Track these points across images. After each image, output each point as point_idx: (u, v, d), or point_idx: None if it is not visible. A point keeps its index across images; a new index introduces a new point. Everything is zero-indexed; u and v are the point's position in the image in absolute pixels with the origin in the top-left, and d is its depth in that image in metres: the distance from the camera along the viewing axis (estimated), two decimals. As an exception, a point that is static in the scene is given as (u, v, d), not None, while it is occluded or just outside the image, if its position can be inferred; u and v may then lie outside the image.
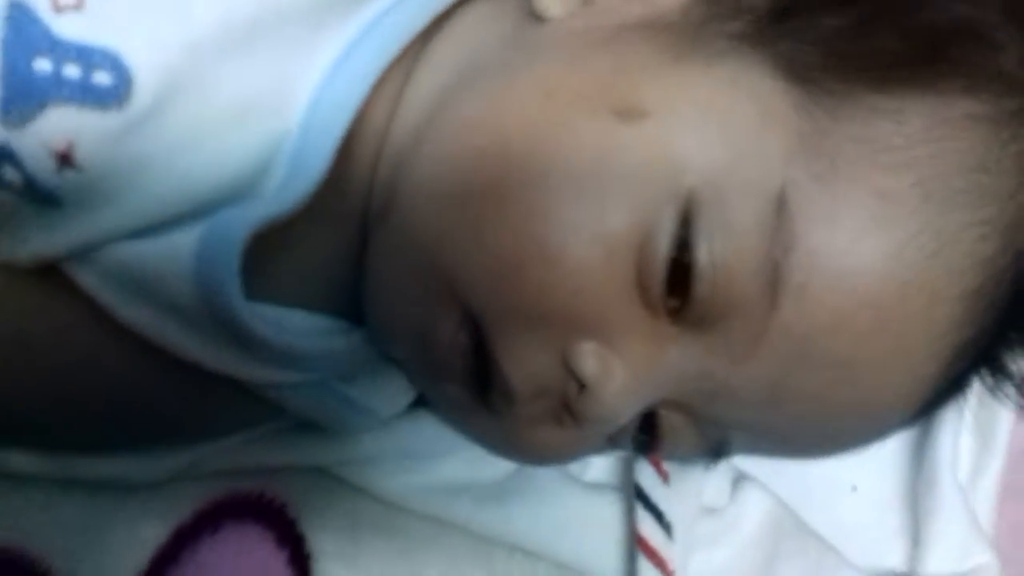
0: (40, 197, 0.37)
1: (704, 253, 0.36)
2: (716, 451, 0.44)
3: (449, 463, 0.50)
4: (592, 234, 0.37)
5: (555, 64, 0.40)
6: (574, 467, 0.51)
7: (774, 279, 0.36)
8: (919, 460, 0.52)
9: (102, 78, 0.35)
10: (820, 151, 0.37)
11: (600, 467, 0.52)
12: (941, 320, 0.38)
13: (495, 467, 0.50)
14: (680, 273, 0.37)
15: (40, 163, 0.36)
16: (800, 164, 0.37)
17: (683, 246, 0.37)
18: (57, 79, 0.35)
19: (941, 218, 0.37)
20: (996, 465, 0.53)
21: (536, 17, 0.41)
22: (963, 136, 0.38)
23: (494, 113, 0.39)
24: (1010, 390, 0.47)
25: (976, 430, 0.53)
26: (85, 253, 0.38)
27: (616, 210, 0.37)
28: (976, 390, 0.49)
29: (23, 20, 0.35)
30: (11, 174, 0.36)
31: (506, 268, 0.37)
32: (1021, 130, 0.39)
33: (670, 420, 0.42)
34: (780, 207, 0.36)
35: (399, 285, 0.41)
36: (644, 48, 0.39)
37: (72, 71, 0.35)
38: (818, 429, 0.41)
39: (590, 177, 0.37)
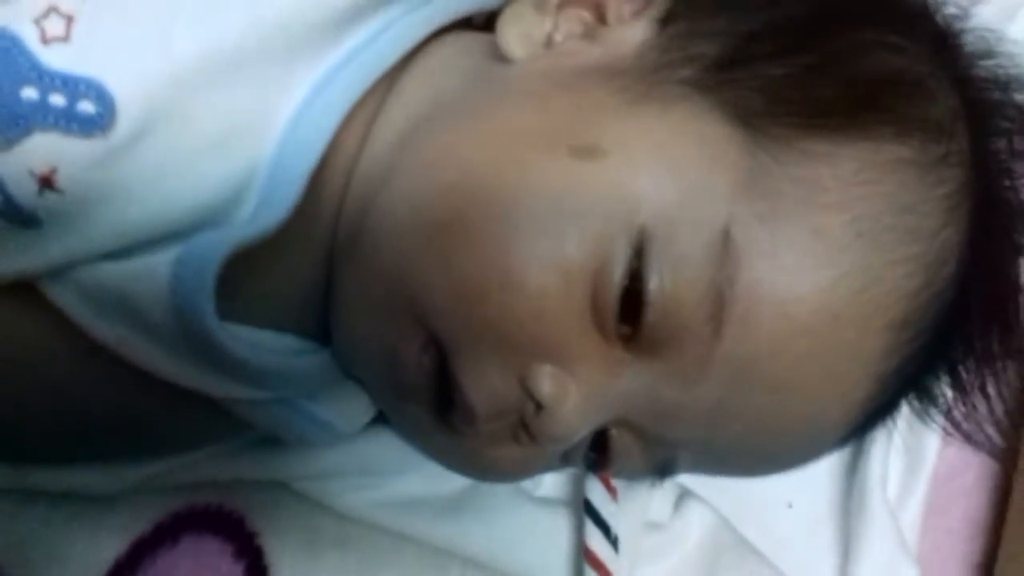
0: (20, 218, 0.38)
1: (654, 283, 0.39)
2: (662, 469, 0.47)
3: (406, 479, 0.51)
4: (551, 264, 0.39)
5: (518, 104, 0.42)
6: (526, 483, 0.53)
7: (719, 307, 0.39)
8: (851, 479, 0.55)
9: (86, 107, 0.37)
10: (762, 191, 0.40)
11: (551, 483, 0.54)
12: (869, 349, 0.41)
13: (451, 482, 0.51)
14: (632, 302, 0.40)
15: (22, 185, 0.37)
16: (744, 202, 0.39)
17: (635, 276, 0.39)
18: (43, 107, 0.37)
19: (870, 255, 0.40)
20: (922, 486, 0.56)
21: (501, 57, 0.44)
22: (892, 179, 0.41)
23: (460, 149, 0.42)
24: (937, 415, 0.51)
25: (905, 452, 0.56)
26: (62, 272, 0.39)
27: (573, 242, 0.39)
28: (905, 414, 0.53)
29: (13, 51, 0.36)
30: None
31: (470, 295, 0.40)
32: (946, 173, 0.42)
33: (620, 439, 0.45)
34: (725, 242, 0.39)
35: (366, 309, 0.43)
36: (602, 90, 0.41)
37: (58, 99, 0.37)
38: (757, 449, 0.44)
39: (550, 212, 0.39)
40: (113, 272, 0.39)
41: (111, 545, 0.48)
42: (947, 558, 0.55)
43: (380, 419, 0.50)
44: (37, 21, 0.37)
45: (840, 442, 0.47)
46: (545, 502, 0.53)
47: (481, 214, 0.40)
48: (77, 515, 0.48)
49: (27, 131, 0.37)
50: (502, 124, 0.42)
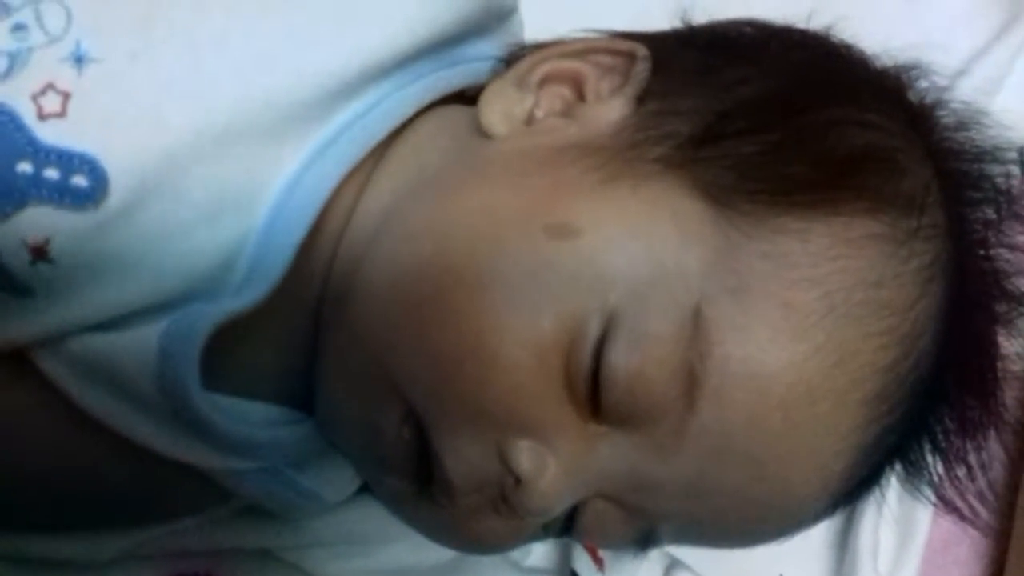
0: (13, 287, 0.40)
1: (620, 360, 0.40)
2: (644, 540, 0.47)
3: (393, 548, 0.52)
4: (524, 340, 0.40)
5: (496, 181, 0.44)
6: (515, 553, 0.53)
7: (691, 383, 0.40)
8: (842, 551, 0.55)
9: (79, 181, 0.39)
10: (733, 267, 0.41)
11: (540, 554, 0.54)
12: (845, 422, 0.42)
13: (439, 552, 0.52)
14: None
15: (15, 256, 0.39)
16: (715, 279, 0.40)
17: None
18: (37, 181, 0.38)
19: (843, 330, 0.41)
20: (915, 558, 0.56)
21: (484, 133, 0.46)
22: (863, 254, 0.42)
23: (438, 224, 0.43)
24: (925, 487, 0.51)
25: (896, 524, 0.57)
26: (54, 342, 0.41)
27: (546, 319, 0.40)
28: (896, 486, 0.54)
29: (10, 126, 0.38)
30: None
31: (446, 368, 0.41)
32: (919, 247, 0.43)
33: (595, 508, 0.45)
34: (696, 319, 0.40)
35: (347, 379, 0.44)
36: (578, 168, 0.43)
37: (52, 173, 0.39)
38: (738, 521, 0.44)
39: (524, 288, 0.41)
40: (103, 344, 0.40)
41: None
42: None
43: (366, 488, 0.51)
44: (35, 98, 0.39)
45: (823, 513, 0.47)
46: (533, 572, 0.54)
47: (457, 288, 0.41)
48: (71, 582, 0.48)
49: (22, 204, 0.38)
50: (480, 201, 0.43)
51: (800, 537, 0.52)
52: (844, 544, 0.56)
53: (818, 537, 0.56)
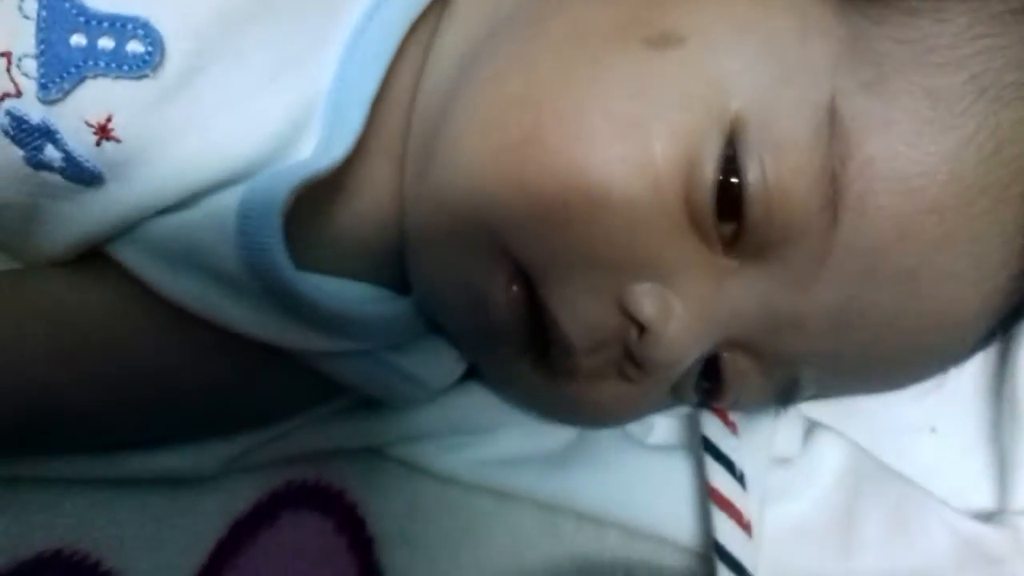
0: (82, 177, 0.39)
1: (755, 174, 0.37)
2: (785, 394, 0.45)
3: (506, 435, 0.50)
4: (635, 167, 0.38)
5: (583, 5, 0.41)
6: (637, 431, 0.51)
7: (832, 193, 0.37)
8: (998, 394, 0.52)
9: (135, 47, 0.37)
10: (866, 57, 0.38)
11: (664, 429, 0.52)
12: (1008, 222, 0.39)
13: (555, 437, 0.50)
14: (733, 200, 0.38)
15: (80, 138, 0.38)
16: (847, 73, 0.37)
17: (733, 169, 0.38)
18: (93, 52, 0.37)
19: (997, 115, 0.38)
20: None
21: None
22: (1008, 31, 0.38)
23: (524, 57, 0.41)
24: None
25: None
26: (129, 230, 0.40)
27: (658, 140, 0.38)
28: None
29: None
30: (52, 153, 0.38)
31: (552, 212, 0.38)
32: None
33: (735, 363, 0.43)
34: (832, 119, 0.37)
35: (443, 245, 0.42)
36: None
37: (106, 43, 0.37)
38: (889, 355, 0.42)
39: (628, 110, 0.38)
40: (179, 222, 0.39)
41: (211, 527, 0.48)
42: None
43: (471, 375, 0.50)
44: None
45: (982, 339, 0.44)
46: (660, 448, 0.52)
47: (554, 123, 0.38)
48: (174, 499, 0.48)
49: (79, 79, 0.37)
50: (567, 25, 0.40)
51: (950, 387, 0.50)
52: (1001, 389, 0.52)
53: (970, 384, 0.53)
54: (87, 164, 0.38)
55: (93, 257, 0.41)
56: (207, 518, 0.48)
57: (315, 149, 0.40)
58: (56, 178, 0.39)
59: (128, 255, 0.40)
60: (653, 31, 0.39)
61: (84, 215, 0.40)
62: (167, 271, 0.40)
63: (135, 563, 0.47)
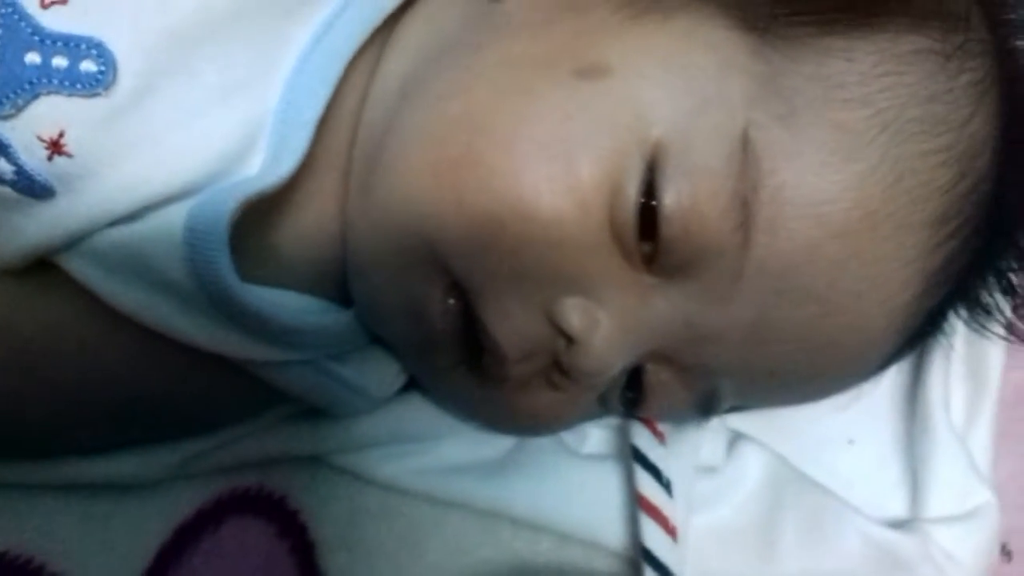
0: (33, 189, 0.40)
1: (671, 197, 0.40)
2: (706, 404, 0.47)
3: (446, 444, 0.52)
4: (564, 189, 0.40)
5: (517, 34, 0.43)
6: (572, 441, 0.53)
7: (744, 217, 0.40)
8: (911, 408, 0.55)
9: (88, 66, 0.39)
10: (780, 92, 0.40)
11: (597, 439, 0.54)
12: (909, 246, 0.42)
13: (492, 446, 0.52)
14: (653, 220, 0.40)
15: (32, 152, 0.39)
16: (760, 105, 0.40)
17: (652, 192, 0.40)
18: (46, 70, 0.39)
19: (899, 147, 0.41)
20: (989, 409, 0.55)
21: None
22: (912, 70, 0.41)
23: (464, 83, 0.43)
24: (994, 326, 0.50)
25: (967, 378, 0.56)
26: (78, 242, 0.41)
27: (585, 164, 0.40)
28: (963, 338, 0.53)
29: (13, 17, 0.38)
30: (3, 166, 0.39)
31: (486, 229, 0.41)
32: (968, 62, 0.42)
33: (657, 374, 0.45)
34: (744, 147, 0.40)
35: (383, 258, 0.44)
36: (602, 10, 0.42)
37: (60, 61, 0.39)
38: (802, 368, 0.44)
39: (558, 135, 0.40)
40: (129, 234, 0.41)
41: (155, 532, 0.49)
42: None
43: (413, 385, 0.52)
44: None
45: (890, 355, 0.47)
46: (592, 457, 0.54)
47: (489, 145, 0.41)
48: (118, 504, 0.49)
49: (33, 96, 0.39)
50: (503, 54, 0.43)
51: (867, 401, 0.53)
52: (913, 401, 0.55)
53: (885, 399, 0.55)
54: (39, 178, 0.39)
55: (43, 267, 0.42)
56: (151, 523, 0.49)
57: (262, 166, 0.42)
58: (7, 190, 0.40)
59: (77, 266, 0.42)
60: (582, 62, 0.41)
61: (34, 227, 0.41)
62: (116, 282, 0.41)
63: (80, 567, 0.48)
